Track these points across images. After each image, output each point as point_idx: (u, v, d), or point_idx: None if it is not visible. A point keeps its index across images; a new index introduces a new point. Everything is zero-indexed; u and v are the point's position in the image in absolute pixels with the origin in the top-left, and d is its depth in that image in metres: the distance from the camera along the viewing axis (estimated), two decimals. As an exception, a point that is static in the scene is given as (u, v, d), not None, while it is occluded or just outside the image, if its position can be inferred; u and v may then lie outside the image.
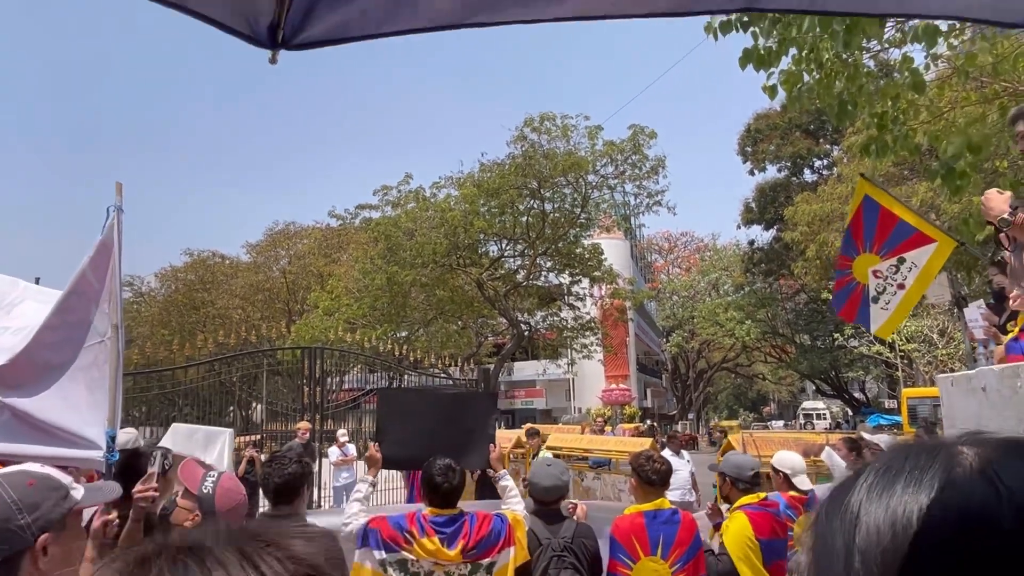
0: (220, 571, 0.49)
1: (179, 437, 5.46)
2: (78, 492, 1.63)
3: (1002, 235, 3.12)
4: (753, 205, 39.70)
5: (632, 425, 19.70)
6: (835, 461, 4.99)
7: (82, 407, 2.66)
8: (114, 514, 2.37)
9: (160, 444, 4.97)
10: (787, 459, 4.42)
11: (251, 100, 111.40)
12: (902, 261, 5.09)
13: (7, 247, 76.67)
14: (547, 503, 3.43)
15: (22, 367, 2.62)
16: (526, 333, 26.76)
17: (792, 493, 4.22)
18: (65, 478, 1.65)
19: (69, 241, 76.57)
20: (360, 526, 3.02)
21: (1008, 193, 2.99)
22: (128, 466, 2.77)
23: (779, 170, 39.03)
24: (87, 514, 3.24)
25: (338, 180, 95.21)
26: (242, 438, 10.13)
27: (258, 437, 13.44)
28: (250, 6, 1.51)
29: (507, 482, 3.48)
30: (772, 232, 39.21)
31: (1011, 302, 3.30)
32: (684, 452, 10.05)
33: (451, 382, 17.45)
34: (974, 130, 5.66)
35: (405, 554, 2.95)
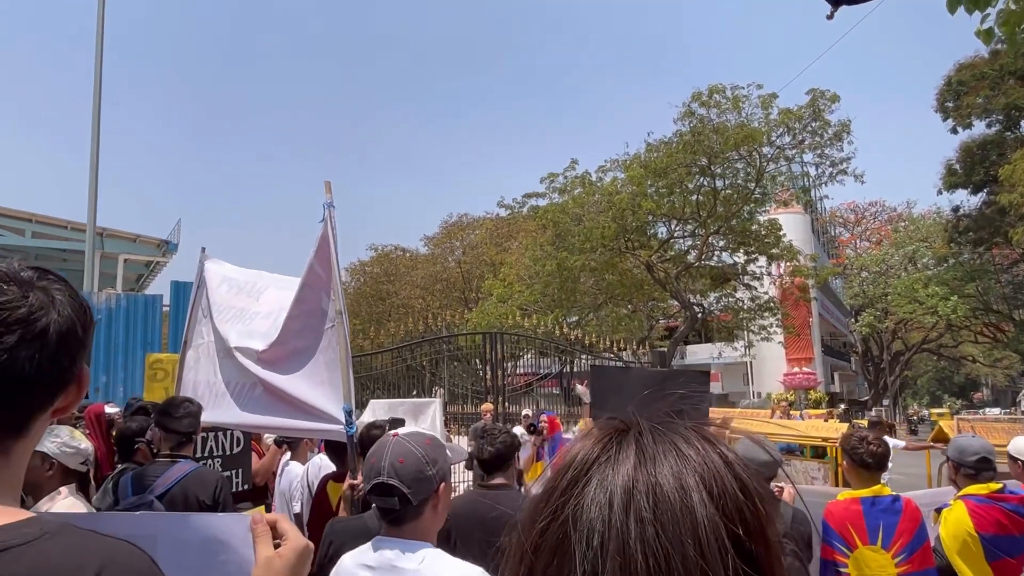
0: (687, 445, 0.57)
1: (379, 411, 5.97)
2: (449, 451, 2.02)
3: None
4: (957, 167, 35.23)
5: (821, 411, 18.45)
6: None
7: (325, 385, 3.04)
8: (360, 478, 2.68)
9: (360, 419, 5.49)
10: (1028, 446, 3.94)
11: (416, 102, 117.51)
12: None
13: (243, 244, 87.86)
14: (767, 480, 3.36)
15: (277, 351, 3.06)
16: (699, 315, 25.97)
17: (1033, 486, 3.77)
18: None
19: (285, 236, 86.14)
20: None
21: None
22: (367, 438, 3.11)
23: (989, 125, 34.25)
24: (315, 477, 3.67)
25: (505, 170, 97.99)
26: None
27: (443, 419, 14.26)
28: None
29: None
30: (981, 196, 34.61)
31: None
32: (888, 438, 9.29)
33: (623, 366, 17.41)
34: None
35: None
